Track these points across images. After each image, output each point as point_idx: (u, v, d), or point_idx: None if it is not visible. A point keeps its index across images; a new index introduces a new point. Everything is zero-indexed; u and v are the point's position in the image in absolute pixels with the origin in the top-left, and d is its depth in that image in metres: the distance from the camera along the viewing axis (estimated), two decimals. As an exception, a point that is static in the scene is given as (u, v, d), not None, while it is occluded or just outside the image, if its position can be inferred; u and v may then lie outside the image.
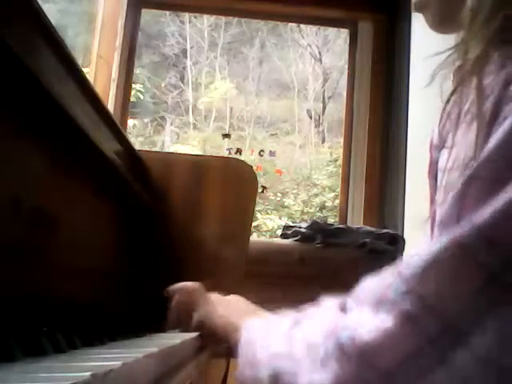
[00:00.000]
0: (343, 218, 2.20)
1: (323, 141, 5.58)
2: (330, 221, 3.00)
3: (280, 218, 4.67)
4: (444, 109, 0.58)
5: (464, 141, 0.54)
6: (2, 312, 0.52)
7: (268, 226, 4.43)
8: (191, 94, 5.72)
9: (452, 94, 0.56)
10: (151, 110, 5.52)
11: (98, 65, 1.99)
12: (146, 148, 4.90)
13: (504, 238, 0.42)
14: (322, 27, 4.64)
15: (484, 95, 0.52)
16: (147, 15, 4.66)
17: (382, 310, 0.44)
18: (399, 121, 2.10)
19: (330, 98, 5.59)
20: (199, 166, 1.33)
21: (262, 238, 3.28)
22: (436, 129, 0.62)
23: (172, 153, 4.16)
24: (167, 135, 5.52)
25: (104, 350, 0.55)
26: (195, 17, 5.52)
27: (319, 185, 5.18)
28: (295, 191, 5.16)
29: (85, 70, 1.84)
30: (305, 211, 4.98)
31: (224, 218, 1.31)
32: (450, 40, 0.66)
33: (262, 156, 3.74)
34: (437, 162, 0.65)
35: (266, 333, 0.57)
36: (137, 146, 1.10)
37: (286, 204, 5.02)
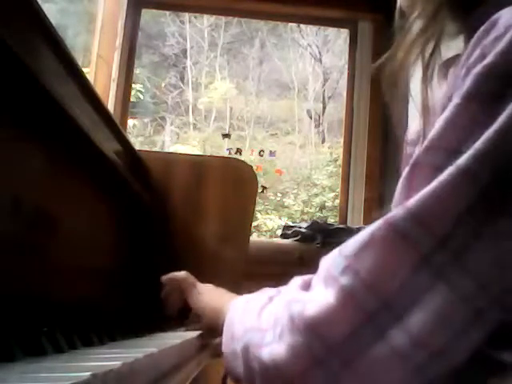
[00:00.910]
0: (343, 218, 2.20)
1: (323, 141, 5.57)
2: (330, 221, 3.00)
3: (280, 218, 4.66)
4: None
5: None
6: (2, 312, 0.52)
7: (268, 226, 4.43)
8: (191, 94, 5.72)
9: (422, 85, 0.57)
10: (151, 110, 5.51)
11: (98, 65, 1.99)
12: (146, 148, 4.89)
13: (433, 218, 0.43)
14: (322, 27, 4.63)
15: (428, 79, 0.55)
16: (147, 15, 4.65)
17: (328, 285, 0.46)
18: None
19: (329, 98, 5.59)
20: (199, 166, 1.33)
21: (262, 238, 3.28)
22: (413, 124, 0.63)
23: (172, 153, 4.16)
24: (167, 135, 5.52)
25: (104, 350, 0.55)
26: (195, 17, 5.52)
27: (319, 185, 5.17)
28: (295, 191, 5.16)
29: (85, 70, 1.84)
30: (305, 211, 4.98)
31: (224, 217, 1.31)
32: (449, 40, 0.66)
33: (261, 156, 3.74)
34: (411, 157, 0.67)
35: (244, 310, 0.60)
36: (137, 146, 1.10)
37: (286, 204, 5.02)
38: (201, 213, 1.29)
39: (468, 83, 0.46)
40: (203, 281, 0.92)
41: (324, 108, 5.61)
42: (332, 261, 0.48)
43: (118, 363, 0.34)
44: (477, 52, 0.47)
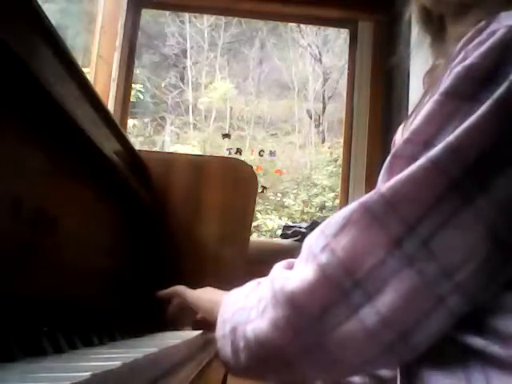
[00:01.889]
0: (343, 217, 2.20)
1: (323, 141, 5.58)
2: (330, 221, 3.00)
3: (280, 218, 4.66)
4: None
5: None
6: (2, 312, 0.52)
7: (268, 226, 4.43)
8: (191, 94, 5.72)
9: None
10: (151, 110, 5.51)
11: (98, 65, 1.99)
12: (146, 148, 4.90)
13: (404, 204, 0.46)
14: (322, 27, 4.63)
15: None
16: (147, 15, 4.66)
17: (308, 262, 0.50)
18: (399, 120, 2.10)
19: (330, 97, 5.59)
20: (199, 166, 1.33)
21: (262, 238, 3.28)
22: (401, 126, 0.64)
23: (172, 153, 4.16)
24: (167, 135, 5.52)
25: (104, 350, 0.55)
26: (195, 17, 5.52)
27: (319, 185, 5.17)
28: (295, 191, 5.16)
29: (85, 70, 1.84)
30: (305, 211, 4.98)
31: (224, 217, 1.30)
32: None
33: (262, 156, 3.74)
34: None
35: (235, 296, 0.63)
36: (137, 146, 1.10)
37: (286, 204, 5.02)
38: (201, 213, 1.29)
39: (447, 81, 0.49)
40: (204, 281, 0.92)
41: (324, 108, 5.62)
42: (315, 239, 0.51)
43: (117, 363, 0.34)
44: (460, 56, 0.50)
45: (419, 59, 0.79)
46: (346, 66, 2.47)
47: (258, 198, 1.40)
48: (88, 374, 0.29)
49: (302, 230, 1.88)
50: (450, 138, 0.46)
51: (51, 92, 0.58)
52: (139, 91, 4.78)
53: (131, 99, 2.45)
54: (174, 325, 0.94)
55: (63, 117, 0.63)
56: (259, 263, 1.58)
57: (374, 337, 0.47)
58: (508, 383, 0.45)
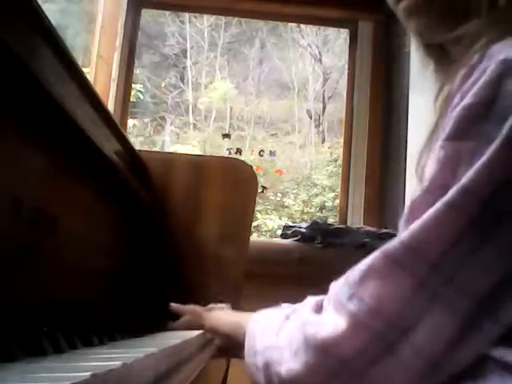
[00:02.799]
0: (343, 218, 2.20)
1: (323, 141, 5.57)
2: (330, 221, 3.00)
3: (280, 218, 4.66)
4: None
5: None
6: (2, 312, 0.52)
7: (268, 226, 4.42)
8: (191, 94, 5.71)
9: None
10: (151, 110, 5.51)
11: (98, 65, 1.99)
12: (146, 148, 4.89)
13: (423, 246, 0.49)
14: (322, 27, 4.63)
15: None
16: (147, 15, 4.65)
17: (337, 310, 0.52)
18: (399, 121, 2.10)
19: (330, 97, 5.58)
20: (199, 165, 1.33)
21: (262, 238, 3.28)
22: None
23: (172, 153, 4.16)
24: (167, 135, 5.51)
25: (104, 350, 0.55)
26: (195, 17, 5.52)
27: (319, 185, 5.17)
28: (295, 191, 5.15)
29: (85, 70, 1.84)
30: (305, 211, 4.97)
31: (224, 217, 1.30)
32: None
33: (262, 156, 3.74)
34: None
35: (263, 326, 0.66)
36: (137, 146, 1.10)
37: (286, 204, 5.02)
38: (201, 213, 1.29)
39: (449, 125, 0.52)
40: (204, 280, 0.92)
41: (324, 108, 5.61)
42: (339, 288, 0.54)
43: (117, 363, 0.34)
44: (458, 96, 0.53)
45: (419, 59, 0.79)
46: (346, 66, 2.46)
47: (258, 197, 1.40)
48: (88, 374, 0.29)
49: (301, 229, 1.88)
50: (463, 180, 0.49)
51: (51, 92, 0.58)
52: (139, 91, 4.78)
53: (131, 99, 2.45)
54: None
55: (63, 117, 0.63)
56: (259, 263, 1.58)
57: (409, 368, 0.49)
58: None
